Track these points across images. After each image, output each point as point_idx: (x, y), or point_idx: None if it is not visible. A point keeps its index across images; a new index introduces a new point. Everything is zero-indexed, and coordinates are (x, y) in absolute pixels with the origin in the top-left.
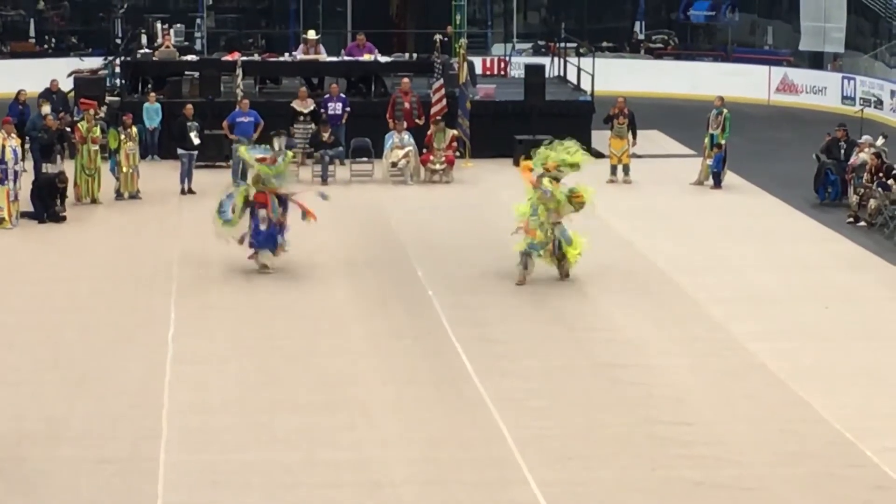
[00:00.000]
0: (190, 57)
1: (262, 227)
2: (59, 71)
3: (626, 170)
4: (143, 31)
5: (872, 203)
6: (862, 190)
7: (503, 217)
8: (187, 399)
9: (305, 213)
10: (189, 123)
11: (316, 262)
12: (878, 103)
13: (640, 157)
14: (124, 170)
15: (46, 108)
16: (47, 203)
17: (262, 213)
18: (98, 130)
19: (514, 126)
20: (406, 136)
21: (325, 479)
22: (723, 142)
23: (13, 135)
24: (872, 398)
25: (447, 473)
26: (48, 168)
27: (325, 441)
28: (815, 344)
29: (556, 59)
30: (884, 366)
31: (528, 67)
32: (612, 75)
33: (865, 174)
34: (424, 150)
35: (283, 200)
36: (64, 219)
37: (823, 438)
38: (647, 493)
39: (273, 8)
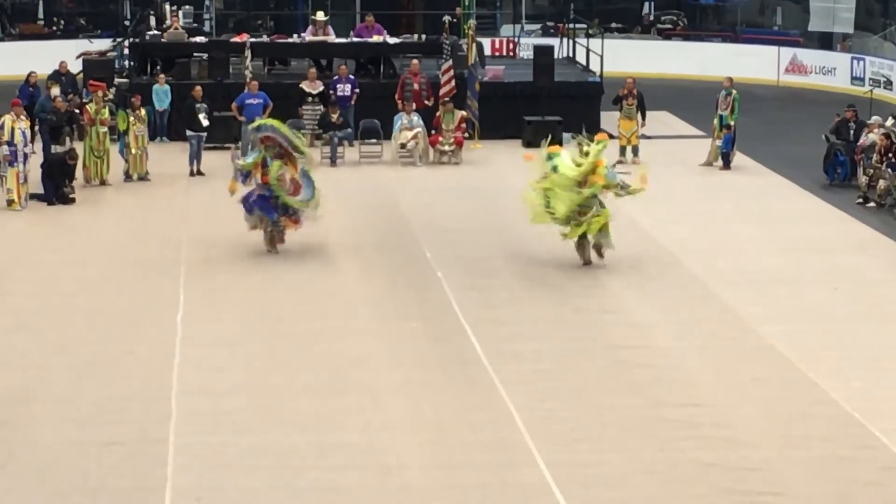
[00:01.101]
0: (199, 39)
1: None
2: (67, 53)
3: (635, 151)
4: (151, 12)
5: (882, 184)
6: (871, 171)
7: (512, 198)
8: (196, 381)
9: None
10: (198, 105)
11: (324, 244)
12: (888, 84)
13: (649, 137)
14: (133, 151)
15: (55, 90)
16: (58, 182)
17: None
18: (107, 112)
19: (523, 107)
20: (415, 118)
21: (333, 461)
22: (732, 123)
23: (22, 117)
24: (881, 380)
25: (456, 456)
26: (57, 150)
27: (333, 424)
28: (824, 326)
29: (565, 40)
30: (892, 347)
31: (536, 48)
32: (621, 56)
33: (875, 155)
34: (433, 132)
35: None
36: (73, 200)
37: (832, 420)
38: (656, 475)
39: None
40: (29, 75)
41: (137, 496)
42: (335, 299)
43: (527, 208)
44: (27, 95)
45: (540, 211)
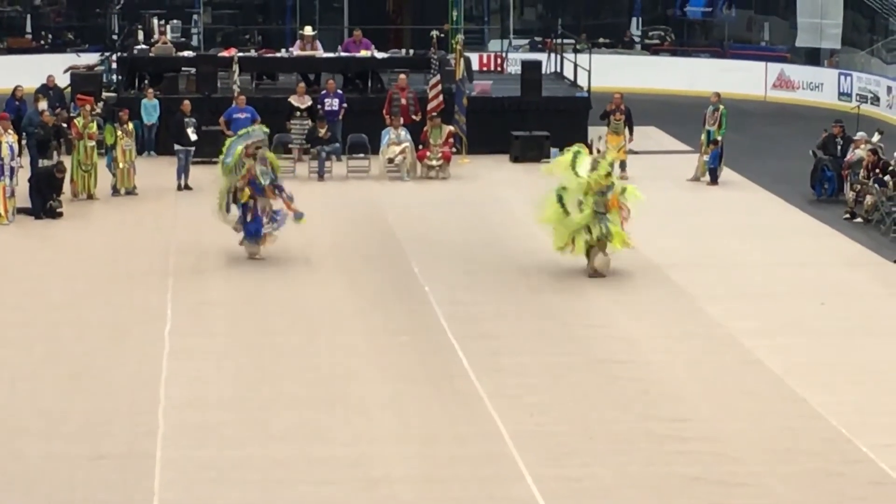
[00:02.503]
0: (186, 53)
1: (248, 217)
2: (55, 67)
3: (622, 166)
4: (139, 27)
5: (869, 199)
6: (858, 186)
7: (500, 213)
8: (184, 395)
9: (295, 214)
10: (186, 119)
11: (312, 257)
12: (875, 99)
13: (636, 153)
14: (121, 166)
15: (43, 104)
16: (46, 196)
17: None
18: (94, 126)
19: (511, 122)
20: (403, 132)
21: (321, 475)
22: (719, 138)
23: (9, 131)
24: (869, 394)
25: (444, 470)
26: (44, 164)
27: (321, 437)
28: (811, 340)
29: (552, 56)
30: (880, 362)
31: (524, 63)
32: (609, 71)
33: (862, 170)
34: (421, 147)
35: (278, 188)
36: (60, 214)
37: (820, 434)
38: (644, 489)
39: (269, 4)
40: (15, 89)
41: None
42: (322, 313)
43: (541, 207)
44: (13, 109)
45: (553, 210)
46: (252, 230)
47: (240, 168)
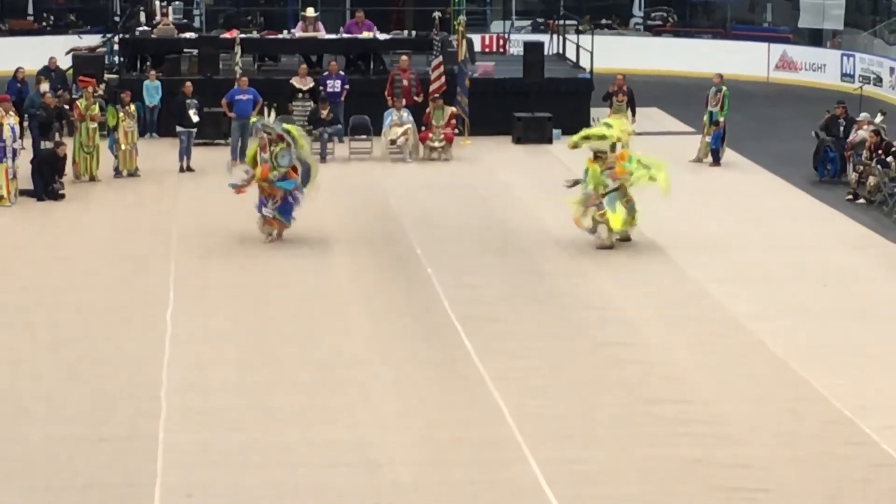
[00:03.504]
0: (188, 34)
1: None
2: (57, 48)
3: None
4: (141, 8)
5: (871, 180)
6: (861, 167)
7: (502, 195)
8: (186, 378)
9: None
10: (188, 101)
11: (314, 240)
12: (878, 80)
13: (639, 134)
14: (123, 147)
15: (45, 86)
16: (48, 178)
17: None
18: (97, 108)
19: (513, 103)
20: (405, 114)
21: (323, 458)
22: (721, 119)
23: (11, 112)
24: (871, 376)
25: (446, 453)
26: (46, 146)
27: (323, 421)
28: (813, 322)
29: (554, 37)
30: (883, 344)
31: (526, 45)
32: (611, 52)
33: (864, 151)
34: (423, 128)
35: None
36: (62, 196)
37: (822, 417)
38: (646, 472)
39: None
40: (17, 70)
41: (127, 493)
42: (325, 296)
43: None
44: (15, 91)
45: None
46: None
47: (259, 162)
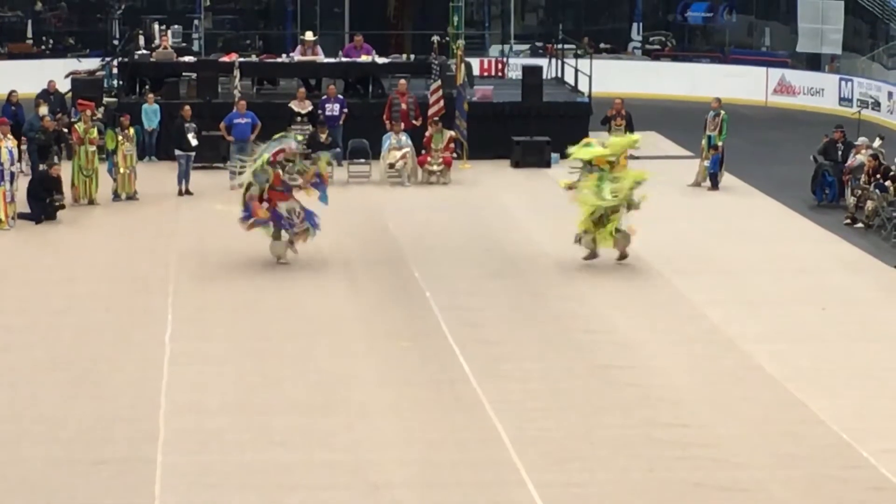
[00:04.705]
0: (187, 58)
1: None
2: (56, 72)
3: None
4: (140, 32)
5: (870, 204)
6: (859, 191)
7: (501, 218)
8: (184, 400)
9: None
10: (187, 125)
11: (314, 263)
12: (876, 105)
13: (637, 158)
14: (121, 171)
15: (44, 109)
16: (43, 198)
17: (283, 205)
18: (95, 131)
19: (512, 127)
20: (403, 138)
21: (322, 480)
22: (720, 143)
23: (8, 136)
24: (870, 400)
25: (445, 475)
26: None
27: (322, 442)
28: (812, 345)
29: (553, 61)
30: (881, 367)
31: (525, 69)
32: (610, 77)
33: (863, 176)
34: (422, 152)
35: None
36: (62, 207)
37: (820, 440)
38: (645, 495)
39: (270, 9)
40: (10, 94)
41: None
42: (323, 318)
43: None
44: (9, 114)
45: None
46: (287, 225)
47: (262, 174)
